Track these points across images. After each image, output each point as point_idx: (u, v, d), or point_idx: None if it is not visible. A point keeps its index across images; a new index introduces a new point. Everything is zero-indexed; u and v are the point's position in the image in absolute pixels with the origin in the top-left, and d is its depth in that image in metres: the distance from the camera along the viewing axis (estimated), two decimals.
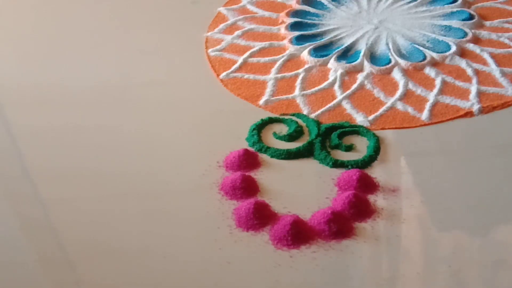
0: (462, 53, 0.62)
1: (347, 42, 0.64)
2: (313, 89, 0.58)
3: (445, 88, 0.58)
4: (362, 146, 0.48)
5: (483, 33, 0.65)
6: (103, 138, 0.52)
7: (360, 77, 0.59)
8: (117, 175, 0.48)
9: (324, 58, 0.61)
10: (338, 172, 0.47)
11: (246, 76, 0.60)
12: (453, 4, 0.69)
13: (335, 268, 0.40)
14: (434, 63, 0.61)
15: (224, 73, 0.60)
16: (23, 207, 0.46)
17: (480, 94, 0.56)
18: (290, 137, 0.51)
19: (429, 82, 0.58)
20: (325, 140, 0.50)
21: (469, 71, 0.60)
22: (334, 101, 0.56)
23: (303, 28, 0.67)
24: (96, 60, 0.63)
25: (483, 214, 0.43)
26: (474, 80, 0.58)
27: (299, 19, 0.68)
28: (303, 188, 0.46)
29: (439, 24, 0.67)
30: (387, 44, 0.63)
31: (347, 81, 0.59)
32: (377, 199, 0.45)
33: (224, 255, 0.41)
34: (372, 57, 0.61)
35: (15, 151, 0.51)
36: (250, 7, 0.71)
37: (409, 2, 0.70)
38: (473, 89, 0.57)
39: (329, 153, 0.49)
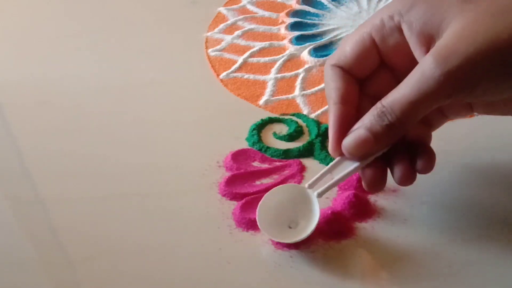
0: None
1: None
2: (313, 89, 0.58)
3: None
4: None
5: None
6: (103, 138, 0.52)
7: None
8: (117, 175, 0.48)
9: (324, 58, 0.61)
10: None
11: (246, 76, 0.60)
12: None
13: (335, 268, 0.40)
14: None
15: (224, 73, 0.60)
16: (23, 207, 0.46)
17: None
18: (290, 137, 0.51)
19: None
20: (325, 140, 0.50)
21: None
22: None
23: (303, 28, 0.67)
24: (95, 60, 0.63)
25: (484, 214, 0.43)
26: None
27: (299, 19, 0.68)
28: None
29: None
30: None
31: None
32: (377, 199, 0.45)
33: (224, 255, 0.41)
34: None
35: (15, 151, 0.51)
36: (250, 7, 0.71)
37: None
38: None
39: (329, 153, 0.49)
